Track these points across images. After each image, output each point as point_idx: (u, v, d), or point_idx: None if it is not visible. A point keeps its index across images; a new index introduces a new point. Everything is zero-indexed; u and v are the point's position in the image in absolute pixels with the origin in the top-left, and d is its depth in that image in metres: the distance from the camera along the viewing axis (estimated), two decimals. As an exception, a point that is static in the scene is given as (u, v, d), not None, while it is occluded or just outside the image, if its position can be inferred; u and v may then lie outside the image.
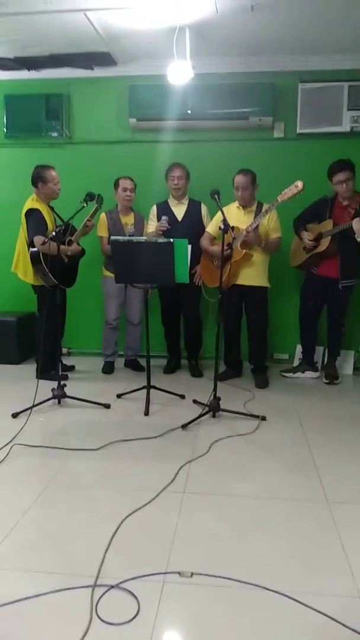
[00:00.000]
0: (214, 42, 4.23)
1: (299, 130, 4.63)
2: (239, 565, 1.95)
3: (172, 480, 2.61)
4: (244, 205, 4.17)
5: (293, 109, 4.60)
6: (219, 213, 3.64)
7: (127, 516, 2.27)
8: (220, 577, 1.88)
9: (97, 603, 1.75)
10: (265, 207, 3.96)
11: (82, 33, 4.10)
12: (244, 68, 4.64)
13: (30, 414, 3.39)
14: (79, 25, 3.96)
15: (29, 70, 4.84)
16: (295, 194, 3.65)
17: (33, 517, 2.30)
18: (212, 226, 4.27)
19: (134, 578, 1.86)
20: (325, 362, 4.59)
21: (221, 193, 3.56)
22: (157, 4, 3.57)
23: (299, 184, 3.61)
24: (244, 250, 4.00)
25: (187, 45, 4.00)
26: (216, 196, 3.52)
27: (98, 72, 4.81)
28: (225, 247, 3.54)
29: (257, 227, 3.94)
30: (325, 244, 4.14)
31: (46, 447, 3.02)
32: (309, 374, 4.56)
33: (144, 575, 1.88)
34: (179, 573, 1.90)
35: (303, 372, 4.57)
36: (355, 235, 3.79)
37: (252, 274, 4.14)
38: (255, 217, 4.02)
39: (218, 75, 4.63)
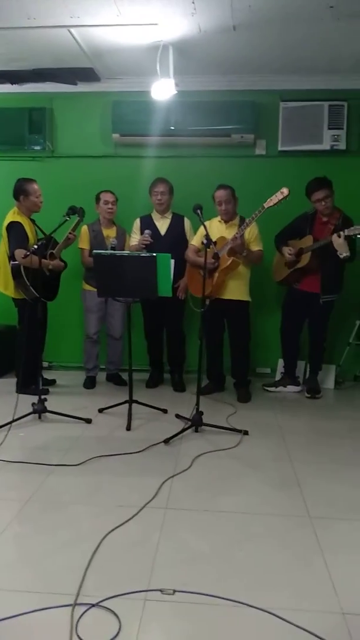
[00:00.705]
0: (196, 60, 4.30)
1: (280, 148, 4.72)
2: (222, 582, 1.93)
3: (154, 496, 2.58)
4: (226, 220, 4.21)
5: (275, 126, 4.69)
6: (202, 227, 3.67)
7: (108, 533, 2.24)
8: (202, 594, 1.85)
9: (77, 622, 1.70)
10: (251, 215, 3.99)
11: (66, 49, 4.13)
12: (226, 86, 4.72)
13: (9, 429, 3.33)
14: (63, 41, 4.00)
15: (12, 84, 4.85)
16: (281, 200, 3.68)
17: (12, 534, 2.25)
18: (196, 239, 4.29)
19: (115, 596, 1.82)
20: (307, 376, 4.61)
21: (204, 208, 3.59)
22: (141, 22, 3.62)
23: (285, 190, 3.65)
24: (231, 258, 4.02)
25: (170, 62, 4.05)
26: (199, 211, 3.56)
27: (81, 88, 4.85)
28: (212, 260, 3.56)
29: (242, 234, 3.96)
30: (305, 259, 4.19)
31: (26, 462, 2.97)
32: (291, 388, 4.58)
33: (125, 593, 1.84)
34: (160, 590, 1.87)
35: (285, 387, 4.59)
36: (338, 252, 3.84)
37: (234, 288, 4.15)
38: (238, 229, 4.06)
39: (201, 93, 4.70)
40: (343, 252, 3.83)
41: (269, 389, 4.59)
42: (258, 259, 4.20)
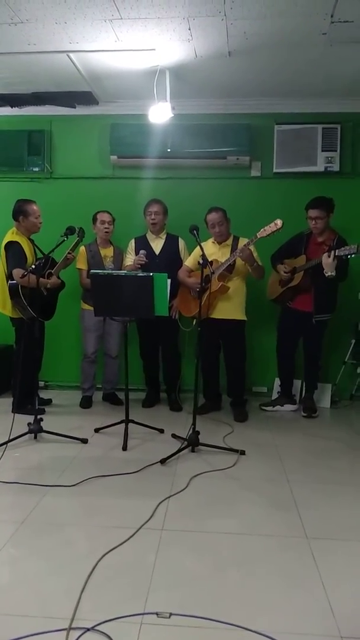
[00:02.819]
0: (193, 84, 4.39)
1: (275, 170, 4.79)
2: (219, 604, 1.91)
3: (150, 517, 2.56)
4: (220, 241, 4.25)
5: (269, 149, 4.77)
6: (197, 248, 3.70)
7: (104, 555, 2.22)
8: (199, 617, 1.83)
9: (72, 647, 1.69)
10: (245, 241, 4.03)
11: (65, 73, 4.21)
12: (221, 109, 4.81)
13: (5, 449, 3.32)
14: (62, 66, 4.08)
15: (12, 107, 4.93)
16: (274, 232, 3.74)
17: (6, 557, 2.23)
18: (190, 260, 4.35)
19: (110, 620, 1.80)
20: (303, 395, 4.61)
21: (200, 229, 3.63)
22: (139, 47, 3.70)
23: (278, 222, 3.71)
24: (220, 283, 4.06)
25: (167, 86, 4.14)
26: (195, 232, 3.60)
27: (80, 111, 4.94)
28: (198, 283, 3.59)
29: (249, 246, 3.97)
30: (298, 278, 4.23)
31: (21, 483, 2.94)
32: (288, 406, 4.58)
33: (121, 617, 1.82)
34: (156, 614, 1.85)
35: (282, 405, 4.58)
36: (324, 271, 3.87)
37: (229, 307, 4.18)
38: (232, 251, 4.10)
39: (197, 116, 4.78)
40: (329, 271, 3.86)
41: (266, 408, 4.58)
42: (262, 273, 4.22)
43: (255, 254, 4.13)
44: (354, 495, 2.90)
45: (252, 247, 4.04)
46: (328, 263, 3.84)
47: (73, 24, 3.40)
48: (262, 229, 3.80)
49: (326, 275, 3.87)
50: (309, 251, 4.26)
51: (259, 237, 3.83)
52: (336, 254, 3.82)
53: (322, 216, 4.15)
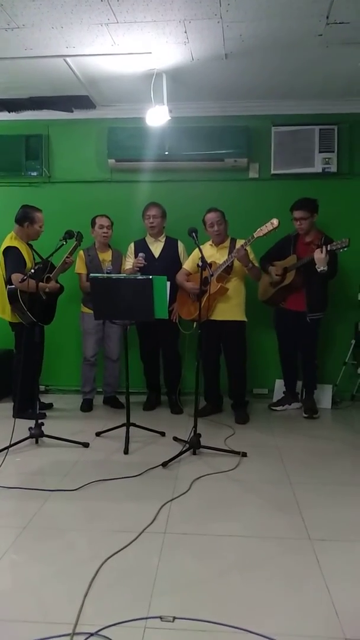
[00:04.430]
0: (190, 87, 4.39)
1: (273, 171, 4.79)
2: (223, 608, 1.91)
3: (153, 521, 2.55)
4: (217, 243, 4.26)
5: (267, 150, 4.77)
6: (196, 251, 3.72)
7: (107, 559, 2.21)
8: (203, 621, 1.82)
9: (76, 653, 1.68)
10: (242, 242, 4.04)
11: (62, 77, 4.21)
12: (219, 112, 4.81)
13: (6, 454, 3.31)
14: (59, 70, 4.08)
15: (9, 111, 4.92)
16: (271, 231, 3.76)
17: (9, 562, 2.22)
18: (188, 263, 4.35)
19: (114, 624, 1.80)
20: (304, 396, 4.61)
21: (198, 231, 3.64)
22: (135, 51, 3.71)
23: (275, 221, 3.73)
24: (219, 284, 4.06)
25: (164, 90, 4.15)
26: (194, 234, 3.61)
27: (77, 115, 4.93)
28: (196, 287, 3.59)
29: (246, 246, 3.99)
30: (290, 277, 4.24)
31: (23, 488, 2.94)
32: (295, 404, 4.62)
33: (125, 621, 1.81)
34: (160, 618, 1.84)
35: (290, 404, 4.62)
36: (316, 266, 3.89)
37: (229, 308, 4.18)
38: (229, 253, 4.10)
39: (194, 119, 4.79)
40: (321, 266, 3.90)
41: (276, 408, 4.60)
42: (259, 273, 4.25)
43: (252, 255, 4.14)
44: (356, 495, 2.89)
45: (248, 248, 4.05)
46: (320, 258, 3.88)
47: (69, 28, 3.40)
48: (258, 229, 3.83)
49: (318, 270, 3.91)
50: (299, 251, 4.29)
51: (255, 237, 3.85)
52: (328, 248, 3.85)
53: (306, 217, 4.20)
